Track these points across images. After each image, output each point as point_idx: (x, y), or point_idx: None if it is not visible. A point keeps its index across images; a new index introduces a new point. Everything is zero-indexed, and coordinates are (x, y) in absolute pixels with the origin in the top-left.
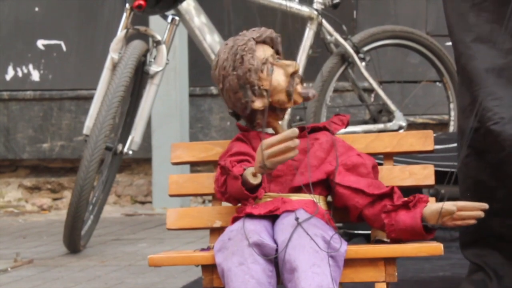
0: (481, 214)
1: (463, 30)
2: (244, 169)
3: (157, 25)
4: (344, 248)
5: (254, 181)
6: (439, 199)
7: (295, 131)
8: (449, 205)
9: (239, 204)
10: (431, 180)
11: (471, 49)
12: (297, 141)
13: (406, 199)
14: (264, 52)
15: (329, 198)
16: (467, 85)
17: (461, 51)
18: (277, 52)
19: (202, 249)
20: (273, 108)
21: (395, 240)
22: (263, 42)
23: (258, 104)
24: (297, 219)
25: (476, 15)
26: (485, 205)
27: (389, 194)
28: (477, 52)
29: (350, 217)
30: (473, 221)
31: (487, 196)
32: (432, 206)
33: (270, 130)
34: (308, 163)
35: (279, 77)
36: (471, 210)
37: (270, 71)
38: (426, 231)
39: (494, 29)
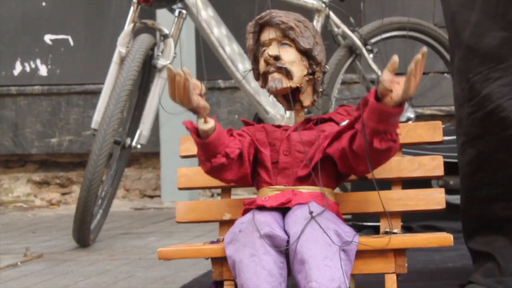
0: (420, 56)
1: (466, 9)
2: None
3: (164, 18)
4: (356, 242)
5: (203, 126)
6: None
7: (168, 67)
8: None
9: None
10: (440, 171)
11: (477, 27)
12: (180, 72)
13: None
14: (269, 34)
15: (337, 190)
16: (467, 63)
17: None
18: (287, 36)
19: (212, 242)
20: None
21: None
22: (271, 24)
23: (259, 83)
24: (311, 212)
25: None
26: (424, 49)
27: (358, 117)
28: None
29: (355, 172)
30: (421, 65)
31: (486, 182)
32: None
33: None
34: (306, 156)
35: (261, 62)
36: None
37: (261, 54)
38: (392, 107)
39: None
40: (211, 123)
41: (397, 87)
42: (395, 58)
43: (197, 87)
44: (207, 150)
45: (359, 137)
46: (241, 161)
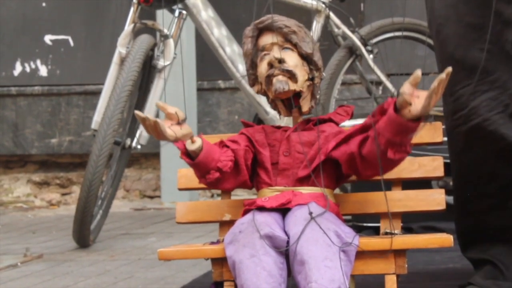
0: (444, 76)
1: (451, 22)
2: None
3: (165, 19)
4: (356, 243)
5: (191, 146)
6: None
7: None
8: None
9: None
10: (440, 172)
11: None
12: (149, 117)
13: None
14: (268, 39)
15: (337, 190)
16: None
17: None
18: (289, 40)
19: (212, 243)
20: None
21: (389, 143)
22: (272, 29)
23: (255, 88)
24: (311, 213)
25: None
26: (448, 69)
27: (369, 125)
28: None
29: (360, 175)
30: (444, 84)
31: (478, 195)
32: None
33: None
34: (306, 157)
35: (263, 65)
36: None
37: (261, 58)
38: (411, 121)
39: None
40: (197, 142)
41: (416, 101)
42: (418, 72)
43: (174, 117)
44: (199, 169)
45: (369, 143)
46: (237, 170)
